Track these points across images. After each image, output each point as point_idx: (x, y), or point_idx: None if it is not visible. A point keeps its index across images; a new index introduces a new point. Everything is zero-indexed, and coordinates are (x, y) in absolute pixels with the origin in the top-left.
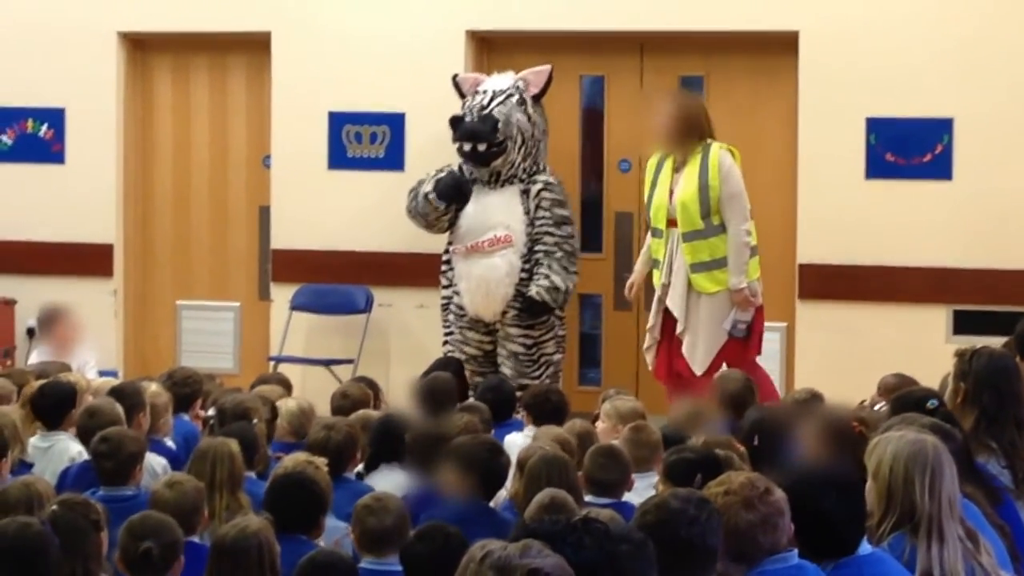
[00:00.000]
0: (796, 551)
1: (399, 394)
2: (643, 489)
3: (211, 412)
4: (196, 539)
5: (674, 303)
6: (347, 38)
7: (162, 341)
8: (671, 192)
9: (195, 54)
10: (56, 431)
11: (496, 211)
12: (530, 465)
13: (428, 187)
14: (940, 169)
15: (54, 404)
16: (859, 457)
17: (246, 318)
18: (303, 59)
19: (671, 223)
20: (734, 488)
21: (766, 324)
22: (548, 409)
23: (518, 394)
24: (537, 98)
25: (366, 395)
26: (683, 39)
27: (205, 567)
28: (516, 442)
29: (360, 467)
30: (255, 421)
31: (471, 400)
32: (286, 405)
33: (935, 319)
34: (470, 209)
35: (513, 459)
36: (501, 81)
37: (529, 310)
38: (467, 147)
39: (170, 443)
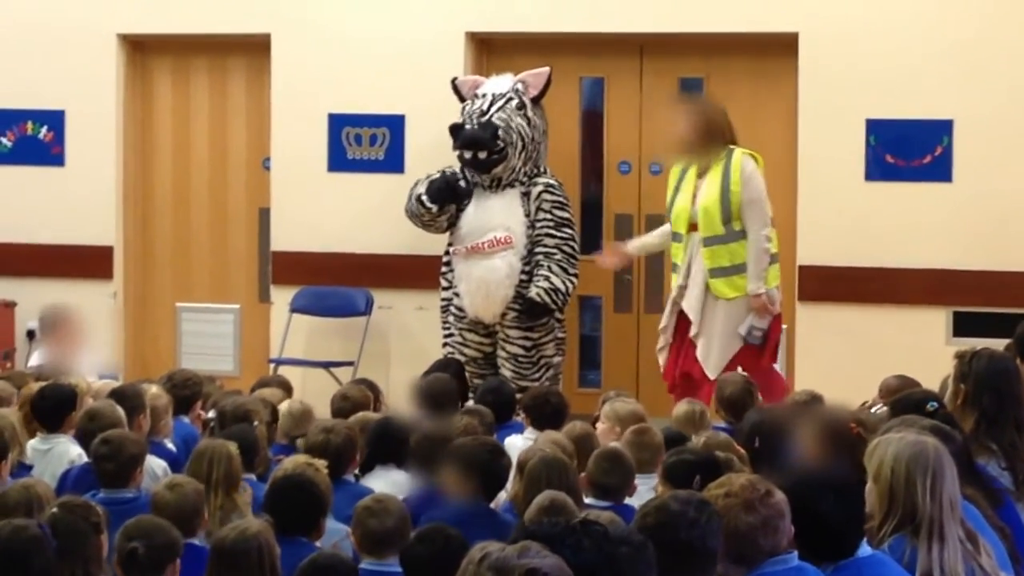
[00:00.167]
0: (796, 553)
1: (399, 396)
2: (644, 491)
3: (211, 414)
4: (196, 541)
5: (690, 305)
6: (347, 40)
7: (162, 343)
8: (694, 198)
9: (195, 56)
10: (56, 434)
11: (496, 213)
12: (530, 467)
13: (421, 188)
14: (940, 171)
15: (54, 407)
16: (857, 459)
17: (246, 320)
18: (303, 61)
19: (692, 228)
20: (734, 490)
21: None
22: (547, 411)
23: (518, 396)
24: (536, 100)
25: (366, 397)
26: (683, 41)
27: (205, 569)
28: (516, 444)
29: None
30: (256, 424)
31: (473, 404)
32: (280, 407)
33: (935, 321)
34: (470, 211)
35: (513, 461)
36: (500, 84)
37: (529, 311)
38: (468, 155)
39: (170, 445)
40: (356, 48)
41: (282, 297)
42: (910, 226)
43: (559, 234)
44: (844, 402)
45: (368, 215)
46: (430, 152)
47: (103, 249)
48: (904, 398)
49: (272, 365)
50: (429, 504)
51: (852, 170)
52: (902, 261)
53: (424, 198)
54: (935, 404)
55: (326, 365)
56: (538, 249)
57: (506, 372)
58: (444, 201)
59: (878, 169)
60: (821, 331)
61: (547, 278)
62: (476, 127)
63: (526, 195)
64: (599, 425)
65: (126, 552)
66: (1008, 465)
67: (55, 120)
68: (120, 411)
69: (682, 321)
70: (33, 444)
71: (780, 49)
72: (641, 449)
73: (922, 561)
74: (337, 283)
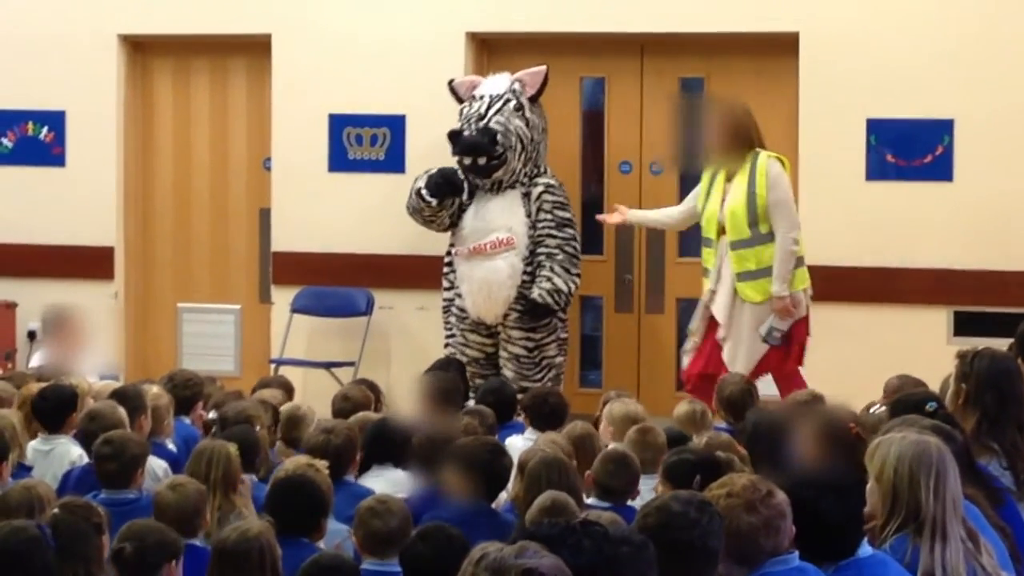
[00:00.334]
0: (797, 553)
1: (400, 396)
2: (646, 492)
3: (212, 415)
4: (198, 542)
5: (718, 309)
6: (347, 40)
7: (163, 344)
8: (722, 202)
9: (195, 57)
10: (56, 434)
11: (498, 214)
12: (530, 467)
13: (420, 183)
14: (941, 170)
15: (55, 407)
16: (856, 459)
17: (247, 321)
18: (303, 61)
19: (721, 232)
20: (736, 490)
21: None
22: (546, 411)
23: (519, 396)
24: (534, 99)
25: (367, 397)
26: (684, 40)
27: (206, 570)
28: (516, 445)
29: None
30: (257, 429)
31: (475, 404)
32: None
33: (936, 320)
34: (472, 211)
35: (514, 462)
36: (497, 84)
37: (531, 312)
38: (467, 161)
39: (171, 446)
40: (357, 48)
41: (283, 297)
42: (911, 226)
43: (560, 234)
44: (845, 401)
45: (369, 215)
46: (431, 152)
47: (104, 250)
48: (904, 398)
49: (273, 365)
50: (431, 504)
51: (853, 170)
52: (903, 261)
53: (424, 192)
54: (934, 404)
55: (327, 365)
56: (540, 250)
57: (508, 373)
58: (443, 195)
59: (879, 169)
60: (822, 331)
61: (549, 279)
62: (474, 133)
63: (527, 196)
64: (602, 425)
65: (113, 552)
66: (1009, 465)
67: (56, 121)
68: (122, 412)
69: (712, 325)
70: (34, 445)
71: (781, 49)
72: (643, 449)
73: (924, 560)
74: (338, 283)
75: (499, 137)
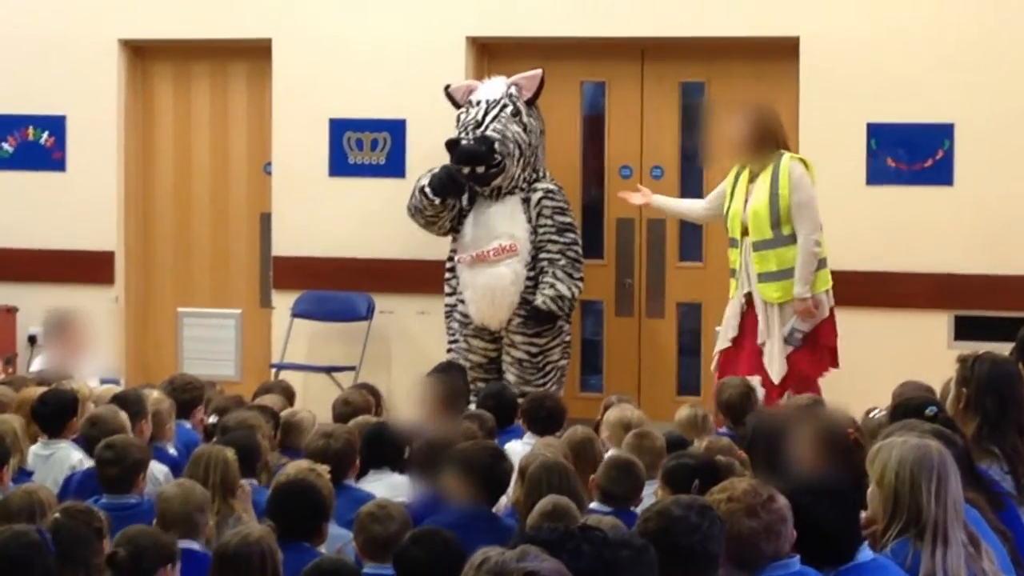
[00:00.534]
0: (798, 557)
1: (401, 400)
2: (647, 496)
3: (212, 419)
4: (198, 547)
5: (760, 313)
6: (348, 45)
7: (164, 348)
8: (745, 202)
9: (196, 61)
10: (57, 439)
11: (499, 221)
12: (531, 472)
13: (424, 181)
14: (941, 174)
15: (55, 412)
16: (854, 464)
17: (247, 325)
18: (304, 66)
19: (745, 232)
20: (737, 495)
21: None
22: (543, 415)
23: (519, 401)
24: (530, 102)
25: (368, 402)
26: (684, 45)
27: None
28: (515, 450)
29: None
30: (259, 437)
31: (476, 409)
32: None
33: (937, 325)
34: (472, 218)
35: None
36: (493, 89)
37: (535, 319)
38: (466, 170)
39: (172, 450)
40: (357, 53)
41: (283, 302)
42: (912, 230)
43: (561, 239)
44: (846, 406)
45: (369, 220)
46: (431, 157)
47: (104, 254)
48: (904, 403)
49: (273, 370)
50: (431, 509)
51: (854, 174)
52: (904, 265)
53: (427, 190)
54: (934, 409)
55: (327, 370)
56: (542, 255)
57: (510, 377)
58: (447, 193)
59: (879, 173)
60: None
61: (552, 285)
62: (472, 142)
63: (526, 201)
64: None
65: (108, 557)
66: (1010, 469)
67: (56, 125)
68: (123, 416)
69: (748, 325)
70: (34, 450)
71: (781, 53)
72: (641, 453)
73: (925, 565)
74: (338, 288)
75: (497, 145)
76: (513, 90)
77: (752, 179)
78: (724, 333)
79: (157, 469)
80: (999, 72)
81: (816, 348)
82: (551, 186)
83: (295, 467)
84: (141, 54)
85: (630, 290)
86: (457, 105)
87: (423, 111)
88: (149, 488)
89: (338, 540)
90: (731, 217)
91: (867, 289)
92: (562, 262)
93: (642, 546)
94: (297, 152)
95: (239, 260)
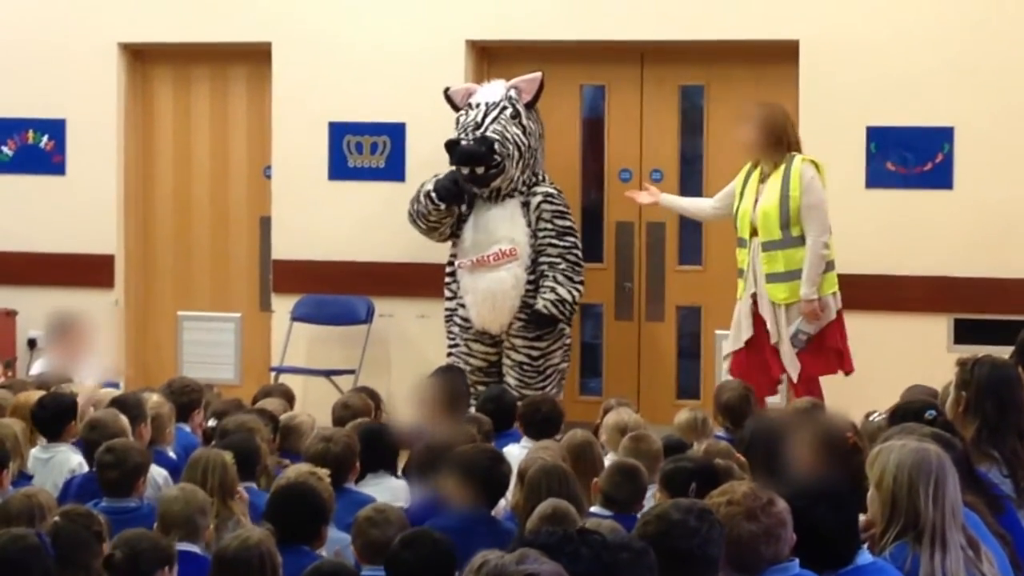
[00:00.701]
0: (797, 561)
1: (400, 404)
2: (646, 499)
3: (211, 423)
4: (198, 550)
5: (766, 313)
6: (347, 48)
7: (163, 352)
8: (755, 202)
9: (196, 65)
10: (56, 442)
11: (499, 225)
12: (530, 476)
13: (429, 186)
14: (941, 178)
15: (54, 416)
16: (853, 468)
17: (247, 329)
18: (304, 70)
19: (753, 232)
20: (737, 498)
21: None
22: (538, 420)
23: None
24: (530, 105)
25: (367, 405)
26: (684, 48)
27: None
28: (513, 454)
29: None
30: (258, 441)
31: (475, 412)
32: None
33: (936, 328)
34: (472, 223)
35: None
36: (493, 91)
37: (536, 323)
38: (465, 170)
39: (172, 454)
40: (357, 56)
41: (283, 305)
42: (911, 233)
43: (561, 243)
44: (845, 409)
45: (369, 223)
46: (431, 160)
47: (104, 258)
48: (903, 406)
49: (273, 373)
50: (430, 513)
51: (853, 177)
52: (903, 268)
53: (432, 195)
54: (933, 412)
55: (327, 373)
56: (542, 259)
57: (510, 380)
58: (452, 199)
59: (879, 176)
60: None
61: (553, 289)
62: (471, 143)
63: (526, 205)
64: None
65: (104, 559)
66: (1009, 472)
67: (56, 129)
68: (124, 420)
69: (759, 325)
70: (34, 453)
71: (781, 57)
72: (638, 456)
73: (924, 568)
74: (338, 291)
75: (496, 146)
76: (512, 93)
77: (763, 179)
78: (736, 334)
79: (157, 473)
80: (999, 75)
81: (821, 350)
82: (551, 190)
83: (295, 470)
84: (141, 58)
85: (630, 294)
86: (456, 108)
87: (423, 115)
88: (149, 492)
89: (337, 544)
90: (740, 217)
91: (867, 292)
92: (562, 266)
93: (642, 549)
94: (297, 155)
95: (239, 263)
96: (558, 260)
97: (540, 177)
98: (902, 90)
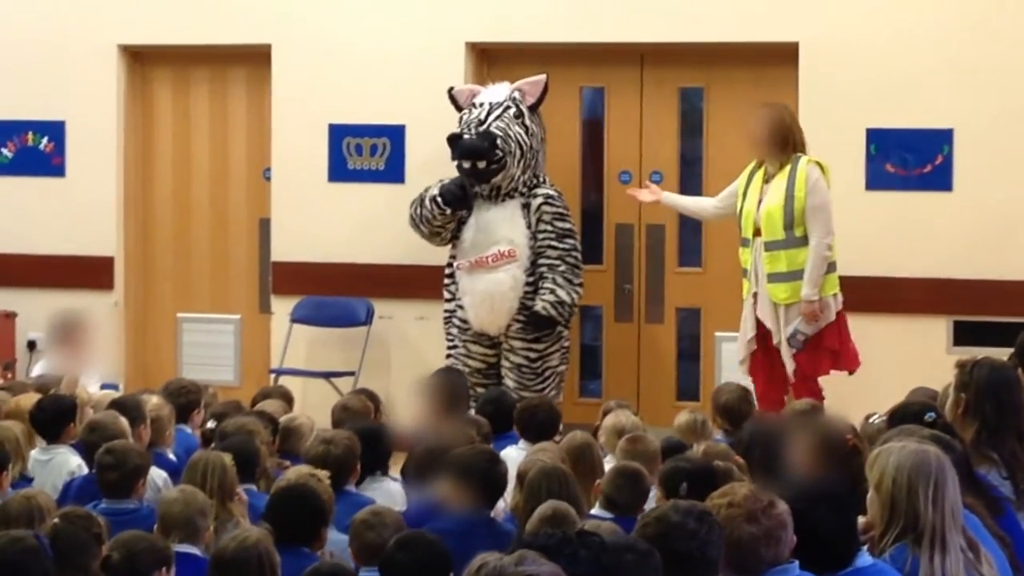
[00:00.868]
0: (797, 563)
1: (400, 406)
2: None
3: (210, 424)
4: (198, 552)
5: (764, 314)
6: (347, 50)
7: (163, 354)
8: (759, 202)
9: (195, 67)
10: (56, 444)
11: (499, 226)
12: (530, 478)
13: (434, 191)
14: (940, 180)
15: (53, 418)
16: (852, 470)
17: (247, 331)
18: (303, 72)
19: (757, 232)
20: (737, 500)
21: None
22: (535, 423)
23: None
24: (534, 108)
25: (367, 407)
26: (683, 50)
27: None
28: (510, 456)
29: None
30: (257, 443)
31: (474, 414)
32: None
33: (935, 330)
34: (472, 224)
35: (511, 472)
36: (497, 93)
37: (534, 324)
38: (467, 165)
39: (172, 456)
40: (356, 58)
41: (283, 307)
42: (911, 235)
43: (561, 245)
44: (845, 411)
45: (369, 225)
46: (431, 162)
47: (104, 260)
48: (902, 408)
49: (273, 375)
50: (429, 515)
51: (853, 179)
52: (903, 270)
53: (439, 199)
54: (933, 415)
55: (327, 375)
56: (541, 261)
57: (509, 382)
58: (458, 205)
59: (879, 178)
60: None
61: (552, 291)
62: (474, 137)
63: (526, 207)
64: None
65: (102, 560)
66: (1009, 474)
67: (56, 131)
68: (124, 422)
69: (763, 329)
70: (33, 455)
71: (780, 58)
72: (634, 458)
73: (924, 570)
74: (337, 293)
75: (499, 141)
76: (516, 94)
77: (767, 179)
78: (745, 334)
79: (156, 475)
80: (998, 77)
81: (818, 350)
82: (551, 192)
83: (295, 472)
84: (141, 59)
85: (629, 295)
86: (459, 107)
87: (422, 116)
88: (149, 494)
89: (337, 546)
90: (744, 216)
91: (866, 294)
92: (562, 268)
93: (647, 551)
94: (296, 157)
95: (238, 265)
96: (557, 262)
97: (541, 179)
98: (902, 92)
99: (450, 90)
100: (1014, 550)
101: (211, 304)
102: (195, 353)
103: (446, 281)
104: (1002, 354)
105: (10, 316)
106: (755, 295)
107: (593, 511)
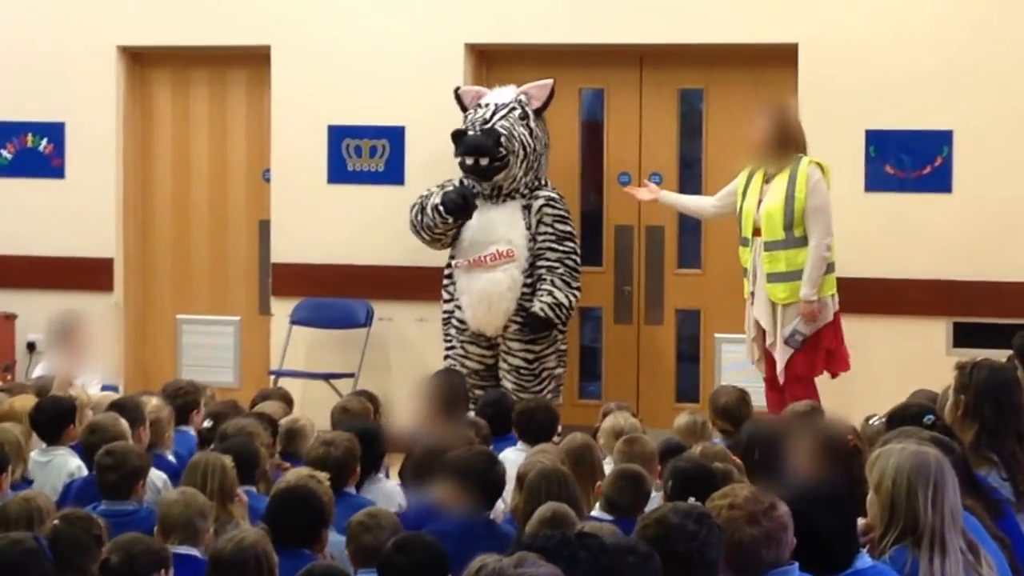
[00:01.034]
0: (797, 564)
1: (399, 408)
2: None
3: (207, 424)
4: (198, 554)
5: (760, 314)
6: (346, 52)
7: (162, 355)
8: (759, 202)
9: (195, 68)
10: (55, 446)
11: (499, 226)
12: (529, 479)
13: (436, 199)
14: (940, 181)
15: (52, 419)
16: (853, 471)
17: (246, 332)
18: (303, 73)
19: (756, 232)
20: (738, 502)
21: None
22: (533, 426)
23: None
24: (539, 112)
25: (366, 409)
26: (683, 52)
27: None
28: (509, 458)
29: None
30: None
31: (474, 416)
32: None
33: (935, 331)
34: (473, 223)
35: (510, 474)
36: (503, 95)
37: (531, 326)
38: (469, 161)
39: (171, 457)
40: (356, 60)
41: (282, 309)
42: (910, 237)
43: (561, 248)
44: (844, 413)
45: (368, 227)
46: (430, 164)
47: (103, 261)
48: (901, 410)
49: (272, 377)
50: (427, 517)
51: (852, 181)
52: (902, 271)
53: (440, 208)
54: (932, 417)
55: (326, 377)
56: (540, 263)
57: (508, 384)
58: (460, 213)
59: (878, 180)
60: None
61: (550, 293)
62: (478, 133)
63: (527, 208)
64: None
65: (100, 563)
66: (1009, 476)
67: (55, 132)
68: (124, 424)
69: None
70: (33, 456)
71: (780, 60)
72: (631, 459)
73: (923, 572)
74: (337, 295)
75: (503, 139)
76: (523, 97)
77: (768, 179)
78: (749, 333)
79: (156, 476)
80: (998, 78)
81: (814, 350)
82: (553, 194)
83: (295, 474)
84: (140, 61)
85: (629, 297)
86: (464, 108)
87: (422, 118)
88: (148, 496)
89: (337, 547)
90: (744, 215)
91: (866, 296)
92: (560, 270)
93: (647, 553)
94: (296, 159)
95: (238, 267)
96: (556, 265)
97: (543, 182)
98: (901, 93)
99: (456, 90)
100: (1014, 552)
101: (211, 306)
102: (195, 355)
103: (445, 281)
104: (1002, 355)
105: (10, 318)
106: (752, 294)
107: (593, 513)
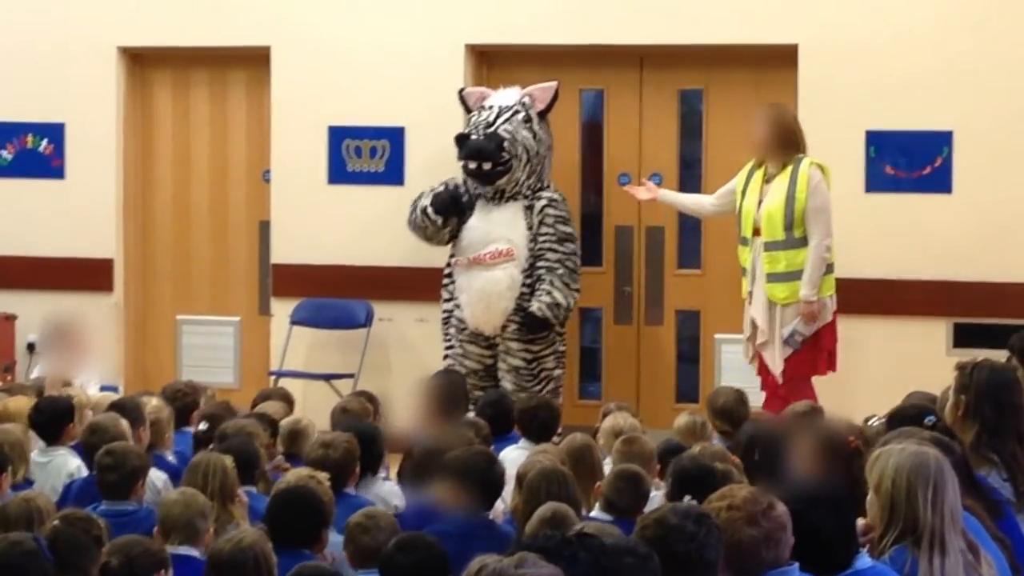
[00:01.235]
0: (797, 565)
1: (399, 408)
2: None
3: (203, 426)
4: (197, 554)
5: (757, 312)
6: (347, 52)
7: (162, 356)
8: (759, 202)
9: (195, 69)
10: (55, 446)
11: (499, 225)
12: (529, 479)
13: (426, 201)
14: (940, 182)
15: (51, 419)
16: (853, 472)
17: (246, 333)
18: (303, 73)
19: (756, 232)
20: (737, 503)
21: None
22: (535, 424)
23: None
24: (543, 114)
25: (366, 409)
26: (683, 52)
27: None
28: (510, 457)
29: None
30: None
31: (474, 416)
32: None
33: (935, 332)
34: (473, 222)
35: (511, 473)
36: (507, 97)
37: (530, 326)
38: (472, 165)
39: (171, 458)
40: (356, 60)
41: (282, 309)
42: (910, 237)
43: (561, 248)
44: (844, 414)
45: (368, 227)
46: (431, 165)
47: (103, 262)
48: (900, 411)
49: (272, 377)
50: (426, 517)
51: (852, 181)
52: (902, 272)
53: (429, 210)
54: (932, 418)
55: (326, 377)
56: (540, 263)
57: (507, 385)
58: (448, 213)
59: (878, 180)
60: None
61: (549, 292)
62: (482, 138)
63: (529, 208)
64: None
65: (101, 567)
66: (1009, 476)
67: (55, 133)
68: (124, 424)
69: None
70: (33, 457)
71: (780, 61)
72: (630, 459)
73: (923, 572)
74: (337, 295)
75: (506, 144)
76: (527, 99)
77: (768, 179)
78: (746, 333)
79: (156, 477)
80: (998, 79)
81: (814, 350)
82: (555, 195)
83: (295, 474)
84: (140, 62)
85: (629, 298)
86: (468, 109)
87: (422, 118)
88: (148, 496)
89: (337, 548)
90: (743, 215)
91: (866, 296)
92: (560, 271)
93: (646, 553)
94: (296, 159)
95: (238, 267)
96: (556, 265)
97: (545, 184)
98: (901, 94)
99: (461, 91)
100: (1013, 552)
101: (211, 306)
102: (195, 355)
103: (444, 281)
104: (1002, 356)
105: (10, 318)
106: (750, 294)
107: (593, 513)
